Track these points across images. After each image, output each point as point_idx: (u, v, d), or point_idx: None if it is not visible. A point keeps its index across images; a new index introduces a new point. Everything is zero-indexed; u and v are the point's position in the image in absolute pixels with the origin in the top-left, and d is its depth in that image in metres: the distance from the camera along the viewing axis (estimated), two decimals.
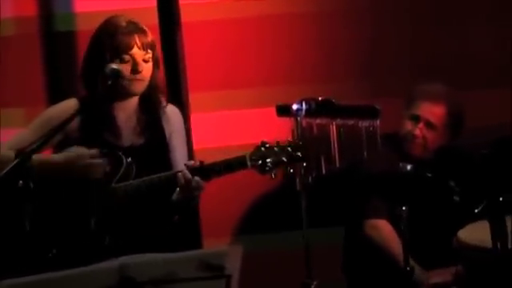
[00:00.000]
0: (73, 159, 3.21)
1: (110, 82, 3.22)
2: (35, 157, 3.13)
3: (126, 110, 3.35)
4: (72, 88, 4.19)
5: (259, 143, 3.12)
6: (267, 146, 3.12)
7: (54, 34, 4.28)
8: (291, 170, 3.11)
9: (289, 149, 3.10)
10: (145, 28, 3.32)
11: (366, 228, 3.88)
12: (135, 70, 3.26)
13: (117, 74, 3.22)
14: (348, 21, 4.32)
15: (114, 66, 3.23)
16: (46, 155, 3.32)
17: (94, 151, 3.21)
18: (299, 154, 3.08)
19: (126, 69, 3.25)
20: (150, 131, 3.34)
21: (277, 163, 3.10)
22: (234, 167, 3.15)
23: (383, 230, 3.85)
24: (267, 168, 3.10)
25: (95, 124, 3.31)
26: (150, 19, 4.06)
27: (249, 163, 3.13)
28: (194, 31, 4.27)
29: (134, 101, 3.35)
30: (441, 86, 3.94)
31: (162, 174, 3.21)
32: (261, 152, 3.12)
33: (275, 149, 3.11)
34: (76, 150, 3.24)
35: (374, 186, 3.57)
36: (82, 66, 3.35)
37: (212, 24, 4.31)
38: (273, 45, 4.33)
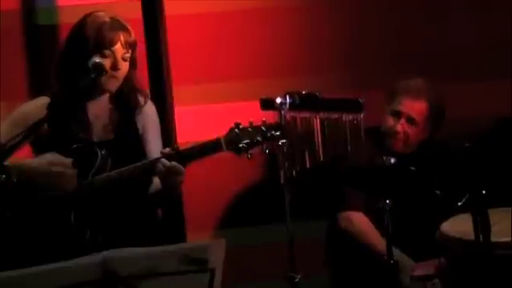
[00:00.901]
0: (46, 166, 3.20)
1: (92, 76, 3.21)
2: (13, 159, 3.12)
3: (98, 106, 3.34)
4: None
5: (233, 125, 3.14)
6: (241, 127, 3.13)
7: (36, 28, 4.27)
8: (267, 151, 3.13)
9: (263, 128, 3.11)
10: (128, 26, 3.32)
11: (340, 220, 3.90)
12: (114, 66, 3.25)
13: (100, 67, 3.22)
14: (331, 14, 4.33)
15: (98, 59, 3.22)
16: (23, 159, 3.29)
17: (67, 160, 3.20)
18: (273, 132, 3.10)
19: (105, 64, 3.24)
20: (120, 126, 3.33)
21: (251, 143, 3.12)
22: (209, 150, 3.16)
23: (357, 222, 3.86)
24: (242, 149, 3.11)
25: (65, 119, 3.29)
26: (133, 12, 4.05)
27: (224, 145, 3.13)
28: (177, 25, 4.27)
29: (105, 98, 3.34)
30: (422, 81, 3.95)
31: (139, 163, 3.20)
32: (235, 133, 3.13)
33: (249, 129, 3.13)
34: (51, 157, 3.22)
35: (357, 179, 3.58)
36: (58, 58, 3.33)
37: (196, 17, 4.30)
38: (256, 38, 4.32)
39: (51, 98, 3.32)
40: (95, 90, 3.30)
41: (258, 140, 3.11)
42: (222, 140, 3.14)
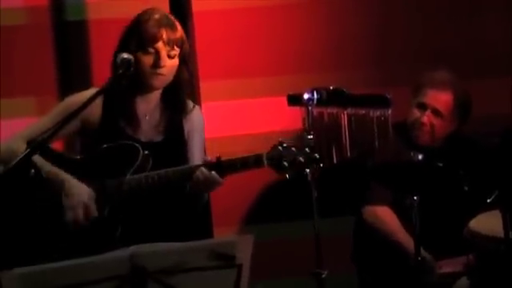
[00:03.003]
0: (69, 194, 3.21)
1: (120, 71, 3.21)
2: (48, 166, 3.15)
3: (148, 104, 3.33)
4: (83, 77, 4.21)
5: (277, 142, 3.13)
6: (285, 145, 3.12)
7: (65, 24, 4.29)
8: (307, 171, 3.11)
9: (306, 150, 3.10)
10: (176, 24, 3.29)
11: (364, 214, 3.89)
12: (156, 64, 3.23)
13: (128, 63, 3.22)
14: (357, 9, 4.32)
15: (126, 55, 3.23)
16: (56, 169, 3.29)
17: (92, 208, 3.20)
18: (317, 155, 3.08)
19: (147, 61, 3.24)
20: (170, 129, 3.33)
21: (294, 164, 3.10)
22: (250, 165, 3.16)
23: (382, 216, 3.85)
24: (284, 168, 3.10)
25: (116, 116, 3.30)
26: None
27: (265, 162, 3.13)
28: (204, 20, 4.27)
29: (156, 95, 3.33)
30: (447, 73, 3.93)
31: (178, 167, 3.20)
32: (278, 151, 3.13)
33: (293, 149, 3.11)
34: (79, 194, 3.21)
35: (385, 175, 3.56)
36: (113, 55, 3.35)
37: (223, 13, 4.31)
38: (283, 34, 4.32)
39: (105, 92, 3.31)
40: (140, 87, 3.30)
41: (300, 161, 3.09)
42: (265, 156, 3.13)
